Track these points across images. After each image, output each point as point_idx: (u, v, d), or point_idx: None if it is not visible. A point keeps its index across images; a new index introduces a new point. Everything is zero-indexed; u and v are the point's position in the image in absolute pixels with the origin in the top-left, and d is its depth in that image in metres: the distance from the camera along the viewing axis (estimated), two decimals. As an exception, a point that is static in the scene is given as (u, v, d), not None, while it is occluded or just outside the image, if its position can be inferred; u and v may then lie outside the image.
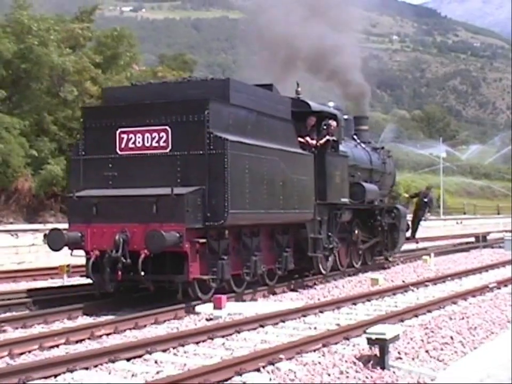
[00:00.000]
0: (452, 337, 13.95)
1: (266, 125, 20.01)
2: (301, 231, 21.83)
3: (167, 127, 17.82)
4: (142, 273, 16.73)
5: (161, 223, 16.74)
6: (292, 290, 21.55)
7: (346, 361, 11.92)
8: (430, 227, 58.61)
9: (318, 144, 22.93)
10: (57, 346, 13.36)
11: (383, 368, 11.61)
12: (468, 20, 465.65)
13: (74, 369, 11.36)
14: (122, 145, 18.13)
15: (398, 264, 30.29)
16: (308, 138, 22.57)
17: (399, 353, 12.49)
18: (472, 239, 44.47)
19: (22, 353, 12.68)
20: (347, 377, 11.12)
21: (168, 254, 17.05)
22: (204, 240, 17.45)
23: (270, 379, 10.87)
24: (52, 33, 42.98)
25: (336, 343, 13.44)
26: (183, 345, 13.25)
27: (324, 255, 22.94)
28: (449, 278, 24.17)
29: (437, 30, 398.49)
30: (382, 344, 11.76)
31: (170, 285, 17.63)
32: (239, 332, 14.60)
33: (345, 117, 27.83)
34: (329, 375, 11.16)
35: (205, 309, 16.87)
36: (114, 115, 18.44)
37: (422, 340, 13.66)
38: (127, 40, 48.51)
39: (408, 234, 33.19)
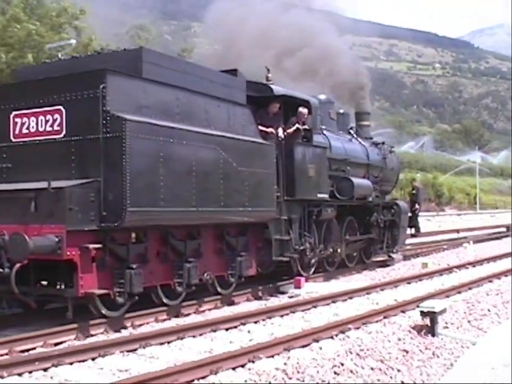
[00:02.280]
0: (489, 310, 13.86)
1: (205, 108, 14.17)
2: (266, 231, 16.45)
3: (60, 107, 12.51)
4: (28, 285, 12.24)
5: (41, 224, 11.61)
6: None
7: (403, 330, 11.93)
8: (469, 220, 58.08)
9: (285, 133, 17.12)
10: (169, 319, 13.46)
11: (433, 335, 11.63)
12: (496, 49, 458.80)
13: (184, 337, 11.45)
14: (16, 131, 12.99)
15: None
16: (272, 129, 16.43)
17: (446, 323, 12.44)
18: (504, 229, 43.80)
19: (141, 325, 12.80)
20: (404, 343, 11.14)
21: (62, 263, 11.81)
22: (98, 246, 11.99)
23: (342, 345, 10.88)
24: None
25: (394, 315, 13.35)
26: (270, 318, 13.25)
27: (292, 258, 17.18)
28: (485, 261, 23.75)
29: (471, 58, 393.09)
30: (432, 316, 11.74)
31: (59, 300, 12.67)
32: (315, 307, 14.54)
33: (341, 111, 23.62)
34: (389, 341, 11.16)
35: (287, 288, 16.87)
36: (7, 96, 13.34)
37: (465, 312, 13.60)
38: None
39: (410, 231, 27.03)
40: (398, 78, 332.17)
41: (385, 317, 13.13)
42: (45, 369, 9.48)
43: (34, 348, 10.74)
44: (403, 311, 13.76)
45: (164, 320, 13.33)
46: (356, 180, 20.36)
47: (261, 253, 16.61)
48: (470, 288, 16.99)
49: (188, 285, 13.73)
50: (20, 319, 12.72)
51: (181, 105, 13.54)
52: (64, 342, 11.25)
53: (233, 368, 9.45)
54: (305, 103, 18.04)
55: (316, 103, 18.97)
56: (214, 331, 12.02)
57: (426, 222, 53.38)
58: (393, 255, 24.21)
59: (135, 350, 10.63)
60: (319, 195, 18.19)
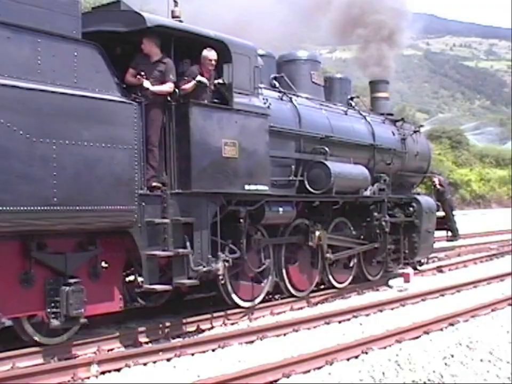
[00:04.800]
0: None
1: None
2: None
3: None
4: None
5: None
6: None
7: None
8: None
9: (181, 89, 11.08)
10: (283, 312, 13.41)
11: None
12: None
13: (298, 330, 11.47)
14: None
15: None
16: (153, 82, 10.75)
17: (555, 316, 12.16)
18: None
19: (257, 318, 12.78)
20: (513, 335, 10.92)
21: None
22: None
23: (451, 337, 10.72)
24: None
25: (502, 309, 13.07)
26: (381, 311, 13.17)
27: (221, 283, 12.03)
28: None
29: None
30: (540, 308, 11.51)
31: None
32: (424, 300, 14.35)
33: (338, 75, 18.16)
34: (497, 333, 10.93)
35: (396, 282, 16.60)
36: None
37: None
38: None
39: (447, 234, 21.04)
40: (498, 76, 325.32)
41: (493, 310, 12.87)
42: (168, 360, 9.63)
43: (157, 340, 10.86)
44: (510, 304, 13.45)
45: (279, 313, 13.28)
46: (335, 166, 14.31)
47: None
48: None
49: None
50: (143, 312, 12.53)
51: None
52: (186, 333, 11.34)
53: (347, 359, 9.43)
54: (217, 44, 11.64)
55: (246, 46, 12.29)
56: (327, 324, 11.99)
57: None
58: (420, 267, 18.74)
59: (253, 341, 10.70)
60: (250, 187, 11.96)
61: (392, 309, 13.49)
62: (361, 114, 17.06)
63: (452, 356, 9.59)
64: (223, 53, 11.70)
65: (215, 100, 11.71)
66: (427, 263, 19.00)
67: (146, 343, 10.62)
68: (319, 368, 9.00)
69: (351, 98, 17.29)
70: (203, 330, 11.55)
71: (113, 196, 9.73)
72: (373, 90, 19.21)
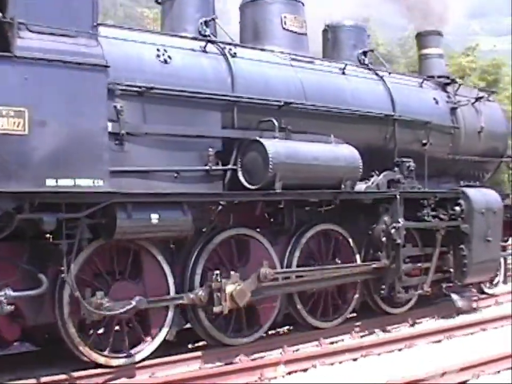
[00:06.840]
0: None
1: None
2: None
3: None
4: None
5: None
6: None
7: None
8: None
9: None
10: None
11: None
12: None
13: (485, 329, 11.26)
14: None
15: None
16: None
17: None
18: None
19: (394, 326, 11.89)
20: None
21: None
22: None
23: None
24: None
25: None
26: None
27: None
28: None
29: None
30: None
31: None
32: None
33: (346, 23, 12.96)
34: None
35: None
36: None
37: None
38: (505, 66, 47.54)
39: None
40: None
41: None
42: (354, 360, 9.58)
43: (342, 340, 10.76)
44: None
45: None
46: (279, 145, 9.65)
47: None
48: None
49: None
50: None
51: None
52: (371, 333, 11.21)
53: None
54: None
55: None
56: (473, 334, 11.29)
57: None
58: (491, 290, 14.03)
59: (440, 341, 10.55)
60: (60, 182, 7.30)
61: None
62: (377, 74, 12.64)
63: None
64: None
65: None
66: (504, 282, 14.09)
67: (331, 343, 10.56)
68: (509, 368, 8.73)
69: (364, 53, 12.87)
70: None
71: None
72: (421, 45, 14.57)
